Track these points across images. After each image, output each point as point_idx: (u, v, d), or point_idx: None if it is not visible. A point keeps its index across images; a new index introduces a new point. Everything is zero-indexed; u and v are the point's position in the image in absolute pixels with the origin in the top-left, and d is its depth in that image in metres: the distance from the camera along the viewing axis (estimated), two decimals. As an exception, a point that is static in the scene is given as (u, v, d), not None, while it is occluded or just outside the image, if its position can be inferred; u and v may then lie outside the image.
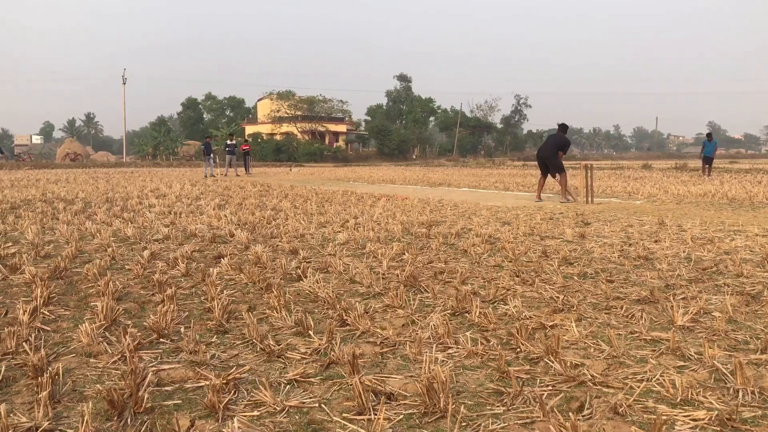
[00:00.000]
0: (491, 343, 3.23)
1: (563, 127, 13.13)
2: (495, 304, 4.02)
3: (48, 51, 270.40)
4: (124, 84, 65.27)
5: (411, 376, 2.76)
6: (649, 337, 3.26)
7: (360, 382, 2.49)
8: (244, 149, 31.45)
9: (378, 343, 3.25)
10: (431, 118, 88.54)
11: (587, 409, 2.39)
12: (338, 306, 3.85)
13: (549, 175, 12.93)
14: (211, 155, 27.77)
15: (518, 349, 3.11)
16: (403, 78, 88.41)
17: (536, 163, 14.05)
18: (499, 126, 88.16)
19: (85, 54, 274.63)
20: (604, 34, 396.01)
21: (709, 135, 24.40)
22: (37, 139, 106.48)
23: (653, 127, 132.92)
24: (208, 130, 75.51)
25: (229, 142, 29.87)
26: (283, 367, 2.93)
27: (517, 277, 4.82)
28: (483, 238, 6.75)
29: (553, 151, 12.75)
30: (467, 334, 3.32)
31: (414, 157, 74.82)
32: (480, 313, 3.66)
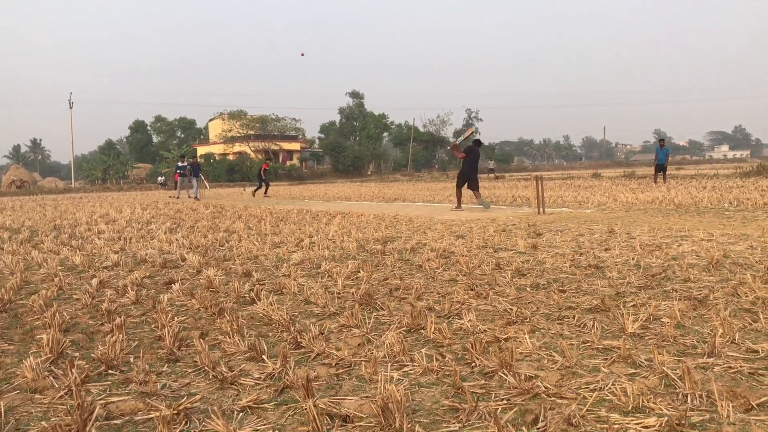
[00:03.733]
0: (446, 359, 3.23)
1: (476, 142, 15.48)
2: (450, 319, 4.02)
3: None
4: (71, 108, 63.91)
5: (366, 397, 2.73)
6: (601, 346, 3.31)
7: (314, 405, 2.46)
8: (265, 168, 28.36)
9: (333, 364, 3.22)
10: (385, 134, 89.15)
11: (542, 421, 2.40)
12: (292, 328, 3.81)
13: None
14: (200, 176, 28.33)
15: (473, 364, 3.11)
16: (355, 95, 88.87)
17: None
18: (452, 140, 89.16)
19: (29, 78, 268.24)
20: (552, 46, 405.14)
21: (661, 141, 24.36)
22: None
23: (602, 136, 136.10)
24: (159, 152, 74.43)
25: (180, 164, 29.46)
26: (237, 394, 2.87)
27: (472, 290, 4.85)
28: (438, 253, 6.78)
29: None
30: (422, 350, 3.31)
31: (369, 173, 75.07)
32: (435, 329, 3.66)
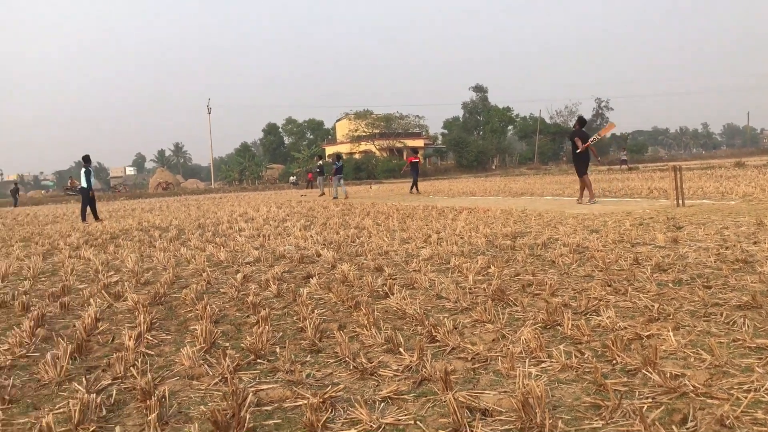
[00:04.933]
0: (585, 355, 3.17)
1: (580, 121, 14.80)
2: (587, 316, 3.93)
3: (135, 87, 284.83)
4: (209, 113, 67.84)
5: (505, 392, 2.74)
6: (754, 345, 3.12)
7: (454, 398, 2.50)
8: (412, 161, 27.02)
9: (469, 358, 3.24)
10: (509, 127, 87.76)
11: (691, 421, 2.30)
12: (427, 322, 3.87)
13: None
14: (323, 176, 29.46)
15: (614, 361, 3.04)
16: (478, 89, 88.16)
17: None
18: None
19: (172, 86, 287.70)
20: (688, 28, 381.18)
21: None
22: (130, 171, 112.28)
23: (745, 122, 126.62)
24: (290, 153, 77.43)
25: (320, 163, 30.85)
26: (377, 385, 2.97)
27: (609, 286, 4.70)
28: (571, 248, 6.62)
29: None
30: (560, 347, 3.27)
31: (494, 167, 74.26)
32: (572, 325, 3.59)
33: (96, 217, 17.29)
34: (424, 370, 3.04)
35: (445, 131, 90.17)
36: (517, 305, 4.31)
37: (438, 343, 3.53)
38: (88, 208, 17.33)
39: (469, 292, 4.81)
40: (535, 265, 5.91)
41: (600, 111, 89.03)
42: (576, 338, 3.45)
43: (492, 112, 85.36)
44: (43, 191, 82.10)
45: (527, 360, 3.14)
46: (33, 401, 3.01)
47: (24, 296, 5.47)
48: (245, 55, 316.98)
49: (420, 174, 26.27)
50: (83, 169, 17.26)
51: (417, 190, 26.09)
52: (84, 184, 17.12)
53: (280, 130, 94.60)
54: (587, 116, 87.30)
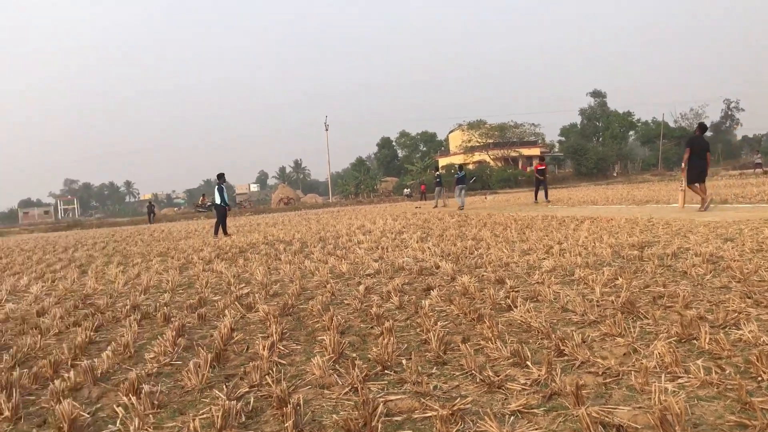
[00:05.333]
0: (727, 371, 3.00)
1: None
2: (726, 329, 3.72)
3: (258, 109, 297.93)
4: (327, 130, 69.80)
5: (640, 408, 2.65)
6: None
7: (586, 413, 2.45)
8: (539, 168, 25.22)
9: (600, 373, 3.16)
10: (630, 133, 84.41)
11: None
12: (553, 336, 3.80)
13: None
14: (442, 187, 29.89)
15: (759, 378, 2.86)
16: (597, 94, 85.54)
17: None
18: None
19: (290, 106, 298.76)
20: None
21: None
22: (254, 188, 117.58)
23: None
24: (404, 166, 78.24)
25: (437, 174, 31.17)
26: (505, 398, 2.96)
27: (749, 298, 4.43)
28: (704, 258, 6.28)
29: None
30: (698, 362, 3.11)
31: (615, 174, 71.58)
32: (710, 339, 3.41)
33: (225, 232, 18.19)
34: (554, 384, 2.99)
35: (563, 138, 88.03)
36: (648, 318, 4.14)
37: (566, 357, 3.46)
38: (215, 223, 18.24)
39: (597, 305, 4.68)
40: (665, 276, 5.65)
41: (729, 113, 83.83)
42: (715, 353, 3.28)
43: (611, 117, 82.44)
44: (175, 209, 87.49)
45: (662, 375, 3.02)
46: (179, 406, 3.22)
47: (165, 308, 5.87)
48: (359, 72, 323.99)
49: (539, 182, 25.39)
50: (216, 186, 18.19)
51: (546, 198, 24.77)
52: (218, 200, 18.05)
53: (394, 143, 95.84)
54: (716, 118, 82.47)
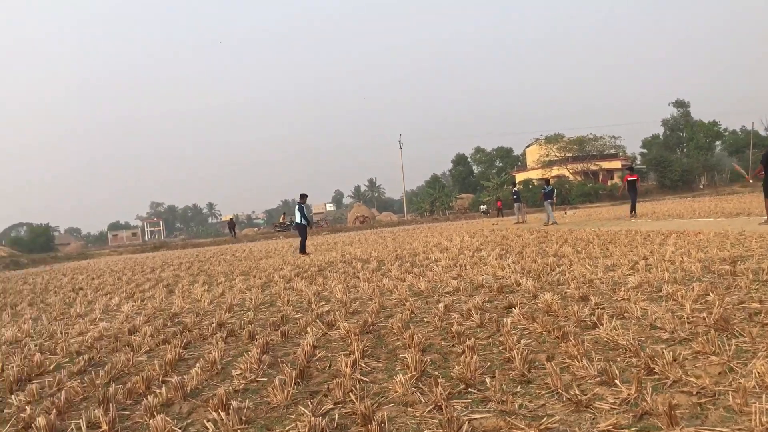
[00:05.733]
0: (835, 393, 2.82)
1: None
2: (832, 348, 3.51)
3: (332, 130, 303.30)
4: (401, 148, 70.22)
5: (739, 430, 2.53)
6: None
7: (682, 435, 2.35)
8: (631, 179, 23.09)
9: (694, 392, 3.03)
10: (717, 143, 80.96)
11: None
12: (642, 354, 3.68)
13: None
14: (520, 203, 29.58)
15: None
16: (680, 104, 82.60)
17: None
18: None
19: (364, 125, 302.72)
20: None
21: None
22: (330, 207, 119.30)
23: None
24: (479, 182, 77.79)
25: (514, 189, 30.86)
26: (593, 418, 2.88)
27: None
28: (803, 272, 5.94)
29: None
30: (802, 382, 2.94)
31: (701, 186, 68.81)
32: (814, 358, 3.22)
33: (303, 251, 18.51)
34: (644, 403, 2.89)
35: (645, 150, 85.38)
36: (744, 336, 3.95)
37: (657, 376, 3.34)
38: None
39: (687, 322, 4.50)
40: (761, 291, 5.38)
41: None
42: (821, 373, 3.09)
43: (696, 127, 79.33)
44: (255, 229, 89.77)
45: (763, 395, 2.87)
46: (266, 422, 3.29)
47: (249, 326, 6.02)
48: (432, 89, 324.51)
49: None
50: (298, 206, 18.64)
51: (634, 213, 23.00)
52: (298, 219, 18.47)
53: (469, 159, 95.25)
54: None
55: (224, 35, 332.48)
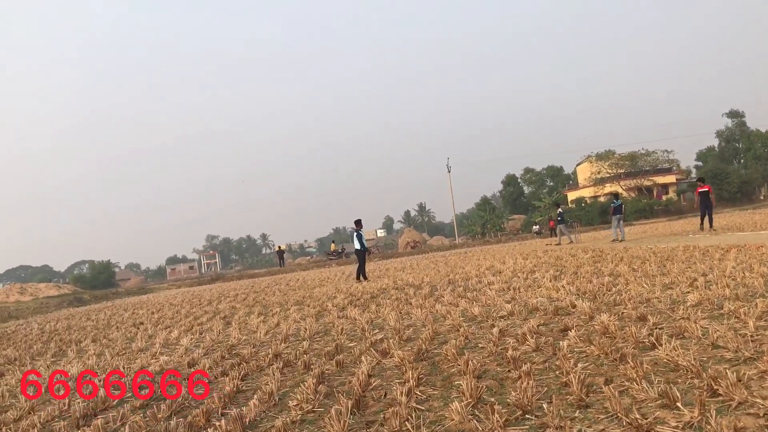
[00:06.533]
0: None
1: None
2: None
3: (380, 156, 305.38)
4: (449, 172, 70.13)
5: (811, 453, 2.44)
6: None
7: (749, 459, 2.28)
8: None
9: (761, 414, 2.94)
10: (778, 152, 78.34)
11: None
12: (704, 375, 3.58)
13: None
14: (567, 222, 29.11)
15: None
16: (734, 114, 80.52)
17: None
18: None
19: (412, 151, 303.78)
20: None
21: None
22: (381, 233, 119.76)
23: None
24: (531, 203, 76.99)
25: (559, 211, 30.38)
26: (655, 443, 2.81)
27: None
28: None
29: None
30: None
31: (762, 197, 66.55)
32: None
33: (357, 278, 18.62)
34: (709, 426, 2.82)
35: (700, 163, 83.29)
36: (813, 353, 3.81)
37: (720, 398, 3.25)
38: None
39: (752, 340, 4.36)
40: (830, 306, 5.18)
41: None
42: None
43: (753, 137, 77.08)
44: (307, 258, 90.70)
45: (835, 417, 2.76)
46: (324, 452, 3.31)
47: (305, 356, 6.08)
48: (479, 112, 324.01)
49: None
50: (355, 233, 18.94)
51: (711, 226, 22.09)
52: (357, 246, 18.72)
53: (519, 180, 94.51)
54: None
55: (281, 66, 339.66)
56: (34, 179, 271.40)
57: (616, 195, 27.58)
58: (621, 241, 22.77)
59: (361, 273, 18.64)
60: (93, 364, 7.59)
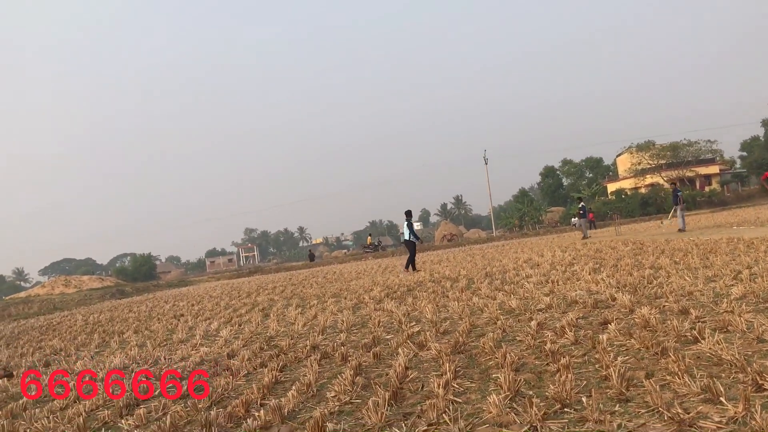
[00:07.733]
0: None
1: None
2: None
3: (417, 147, 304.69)
4: (486, 164, 69.65)
5: None
6: None
7: (795, 455, 2.23)
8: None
9: (809, 410, 2.86)
10: (828, 140, 76.02)
11: None
12: (749, 369, 3.50)
13: None
14: (585, 218, 28.67)
15: None
16: (780, 102, 78.18)
17: None
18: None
19: (448, 143, 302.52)
20: None
21: None
22: (417, 226, 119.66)
23: None
24: (570, 194, 76.00)
25: (581, 204, 29.95)
26: (698, 438, 2.76)
27: None
28: None
29: None
30: None
31: (810, 188, 64.60)
32: None
33: (414, 268, 18.58)
34: (754, 422, 2.75)
35: (744, 153, 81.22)
36: None
37: (766, 392, 3.18)
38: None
39: (798, 334, 4.25)
40: None
41: None
42: None
43: (803, 123, 74.97)
44: (344, 251, 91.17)
45: None
46: (362, 443, 3.34)
47: (342, 347, 6.12)
48: (516, 102, 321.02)
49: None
50: (405, 223, 19.14)
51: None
52: (407, 236, 18.82)
53: (558, 171, 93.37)
54: None
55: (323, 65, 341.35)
56: (80, 176, 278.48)
57: (675, 183, 26.96)
58: (683, 230, 22.02)
59: (410, 263, 18.64)
60: (135, 354, 7.75)
